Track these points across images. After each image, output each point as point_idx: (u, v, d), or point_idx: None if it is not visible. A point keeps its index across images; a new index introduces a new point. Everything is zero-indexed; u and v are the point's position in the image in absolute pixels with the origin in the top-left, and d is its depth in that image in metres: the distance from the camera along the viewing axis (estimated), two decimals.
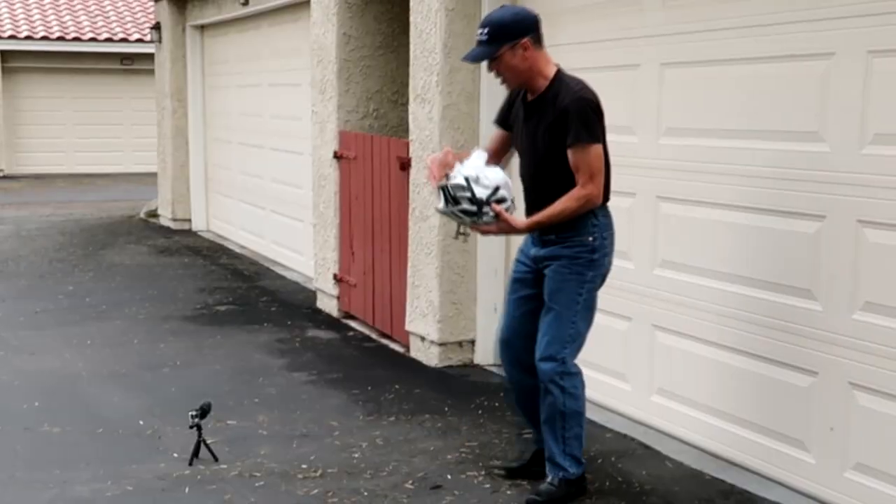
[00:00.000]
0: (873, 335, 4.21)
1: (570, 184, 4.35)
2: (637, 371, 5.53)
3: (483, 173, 4.38)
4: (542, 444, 4.73)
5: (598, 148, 4.34)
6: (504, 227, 4.43)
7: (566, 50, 5.57)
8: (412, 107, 6.98)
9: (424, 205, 6.80)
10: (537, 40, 4.42)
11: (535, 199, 4.48)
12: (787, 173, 4.59)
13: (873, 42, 4.19)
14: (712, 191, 4.99)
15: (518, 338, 4.65)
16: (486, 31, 4.40)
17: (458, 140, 6.61)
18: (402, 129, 8.04)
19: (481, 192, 4.34)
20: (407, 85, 7.24)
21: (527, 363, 4.59)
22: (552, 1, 6.08)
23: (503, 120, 4.70)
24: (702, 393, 5.15)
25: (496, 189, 4.36)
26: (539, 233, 4.52)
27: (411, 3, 6.92)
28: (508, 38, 4.37)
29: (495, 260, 6.72)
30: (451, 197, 4.39)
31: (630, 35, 5.40)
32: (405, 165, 7.13)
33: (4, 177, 22.37)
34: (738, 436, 4.92)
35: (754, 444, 4.83)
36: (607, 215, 4.48)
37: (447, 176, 4.39)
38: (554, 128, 4.36)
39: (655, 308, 5.37)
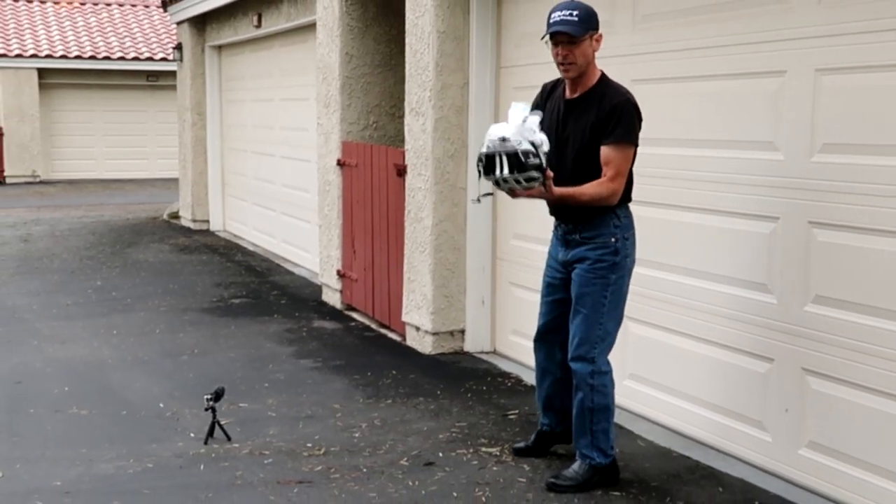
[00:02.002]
0: (823, 325, 4.21)
1: (597, 176, 4.18)
2: (612, 358, 5.50)
3: (541, 137, 4.01)
4: (549, 427, 4.73)
5: (632, 152, 4.21)
6: (545, 193, 4.11)
7: (547, 68, 5.54)
8: (408, 119, 6.96)
9: (419, 207, 6.79)
10: None
11: (564, 186, 4.20)
12: (745, 179, 4.58)
13: (820, 61, 4.19)
14: (678, 195, 4.98)
15: (551, 334, 4.59)
16: (576, 13, 4.16)
17: (448, 149, 6.60)
18: (398, 139, 8.02)
19: (544, 159, 3.98)
20: (403, 100, 7.22)
21: (557, 357, 4.57)
22: (533, 23, 6.06)
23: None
24: (670, 378, 5.14)
25: (546, 153, 4.05)
26: (563, 233, 4.38)
27: (407, 26, 6.91)
28: (594, 26, 4.20)
29: (483, 257, 6.71)
30: (518, 163, 3.94)
31: (603, 55, 5.33)
32: (401, 172, 7.11)
33: (41, 182, 22.32)
34: (703, 417, 4.91)
35: (717, 424, 4.82)
36: (628, 216, 4.33)
37: (502, 140, 3.95)
38: (598, 124, 4.18)
39: (628, 301, 5.34)
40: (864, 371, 4.03)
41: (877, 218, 3.97)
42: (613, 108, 4.17)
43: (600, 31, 4.29)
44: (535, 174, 4.00)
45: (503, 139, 3.97)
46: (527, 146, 3.95)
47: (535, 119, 4.08)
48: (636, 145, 4.26)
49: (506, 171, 3.98)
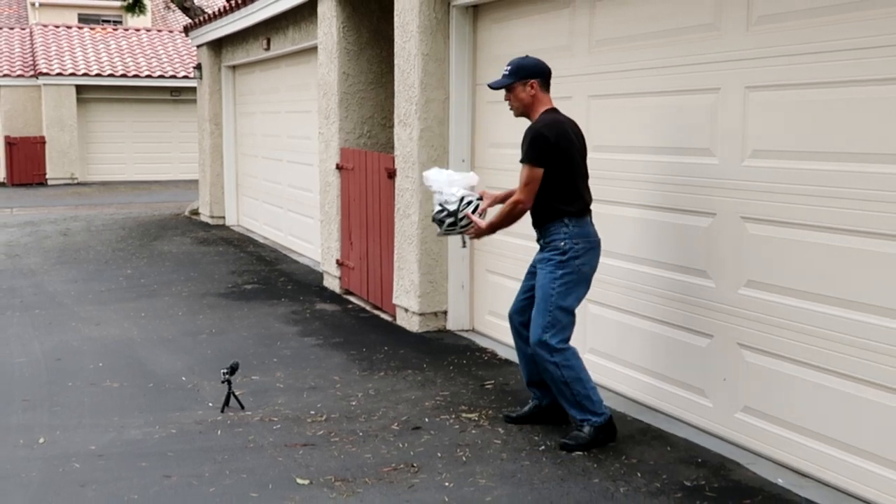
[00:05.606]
0: (755, 306, 4.22)
1: (547, 196, 4.29)
2: (574, 335, 5.51)
3: (448, 190, 4.46)
4: (539, 401, 4.68)
5: (533, 170, 4.27)
6: (477, 229, 4.49)
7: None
8: (397, 129, 6.93)
9: (407, 205, 6.76)
10: (544, 85, 4.42)
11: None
12: (686, 180, 4.58)
13: (749, 80, 4.19)
14: (629, 194, 4.98)
15: (517, 314, 4.60)
16: (509, 68, 4.41)
17: (431, 155, 6.57)
18: (389, 146, 8.00)
19: (453, 207, 4.42)
20: (393, 112, 7.19)
21: (523, 335, 4.57)
22: (503, 46, 6.05)
23: None
24: (624, 352, 5.14)
25: (461, 199, 4.41)
26: (536, 238, 4.48)
27: (395, 50, 6.87)
28: (522, 76, 4.37)
29: (462, 250, 6.67)
30: (437, 221, 4.49)
31: (563, 74, 5.35)
32: (392, 175, 7.08)
33: (78, 183, 22.23)
34: (653, 385, 4.92)
35: (665, 392, 4.83)
36: (579, 225, 4.32)
37: (440, 208, 4.50)
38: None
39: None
40: (790, 345, 4.04)
41: (798, 213, 3.97)
42: (526, 134, 4.34)
43: (535, 78, 4.38)
44: (449, 221, 4.50)
45: (441, 208, 4.53)
46: (436, 208, 4.51)
47: (455, 178, 4.58)
48: (538, 166, 4.26)
49: (440, 229, 4.58)
